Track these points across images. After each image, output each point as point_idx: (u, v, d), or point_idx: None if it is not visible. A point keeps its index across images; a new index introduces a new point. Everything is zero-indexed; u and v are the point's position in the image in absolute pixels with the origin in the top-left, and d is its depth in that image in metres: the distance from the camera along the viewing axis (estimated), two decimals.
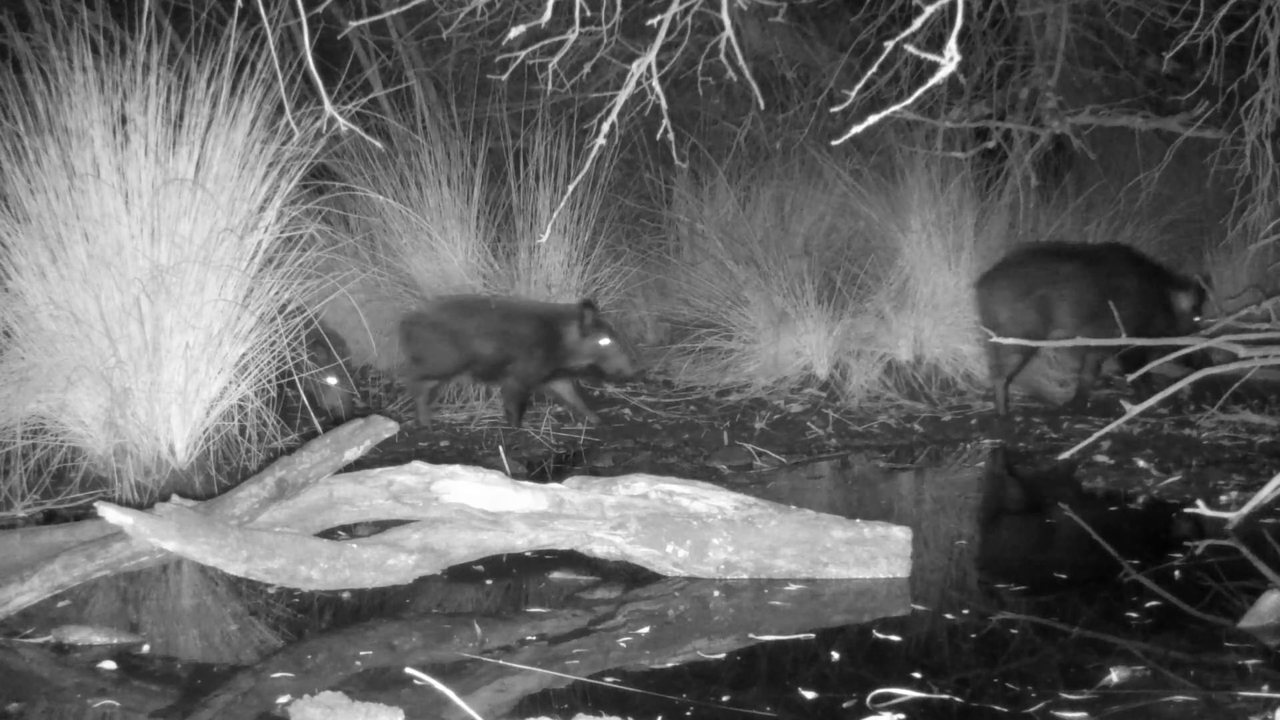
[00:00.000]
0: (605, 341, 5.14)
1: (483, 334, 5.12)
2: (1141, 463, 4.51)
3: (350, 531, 3.38)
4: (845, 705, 2.43)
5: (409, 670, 2.56)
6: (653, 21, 2.81)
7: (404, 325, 5.26)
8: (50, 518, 3.68)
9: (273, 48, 2.76)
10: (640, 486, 3.21)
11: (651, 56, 2.81)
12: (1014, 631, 2.89)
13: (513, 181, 5.98)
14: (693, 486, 3.25)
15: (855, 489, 4.45)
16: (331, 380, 4.79)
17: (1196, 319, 5.42)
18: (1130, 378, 4.83)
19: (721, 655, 2.72)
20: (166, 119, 4.00)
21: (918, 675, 2.57)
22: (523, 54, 3.16)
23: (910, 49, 2.20)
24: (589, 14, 2.88)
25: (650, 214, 7.16)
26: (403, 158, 5.88)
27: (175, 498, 2.97)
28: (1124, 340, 5.03)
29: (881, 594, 3.11)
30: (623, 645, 2.77)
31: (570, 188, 3.32)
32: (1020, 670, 2.63)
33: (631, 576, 3.21)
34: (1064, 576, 3.33)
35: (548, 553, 3.29)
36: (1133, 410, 4.31)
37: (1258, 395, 5.42)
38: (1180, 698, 2.44)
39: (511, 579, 3.32)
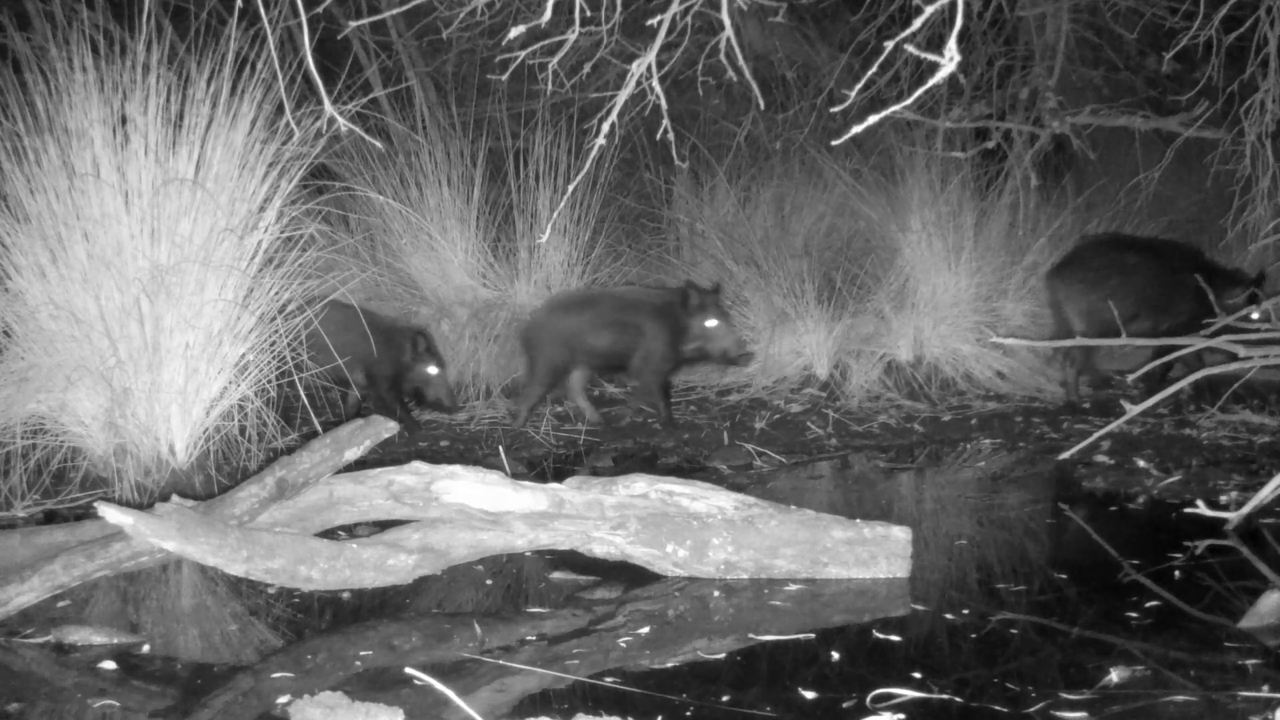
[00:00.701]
0: (712, 323, 5.12)
1: (598, 327, 5.15)
2: (1141, 463, 4.51)
3: (350, 531, 3.38)
4: (845, 705, 2.43)
5: (409, 670, 2.56)
6: (653, 21, 2.81)
7: (524, 335, 5.30)
8: (50, 518, 3.69)
9: (273, 48, 2.76)
10: (640, 486, 3.21)
11: (651, 56, 2.81)
12: (1014, 631, 2.89)
13: (513, 181, 5.99)
14: (693, 486, 3.25)
15: (855, 489, 4.45)
16: (432, 369, 4.97)
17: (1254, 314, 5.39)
18: (1133, 375, 4.83)
19: (721, 655, 2.72)
20: (166, 119, 4.00)
21: (918, 675, 2.57)
22: (523, 54, 3.16)
23: (910, 49, 2.20)
24: (589, 14, 2.88)
25: (650, 214, 7.16)
26: (403, 158, 5.88)
27: (175, 498, 2.97)
28: (1123, 340, 5.04)
29: (881, 594, 3.11)
30: (623, 645, 2.77)
31: (570, 188, 3.32)
32: (1020, 670, 2.63)
33: (631, 576, 3.21)
34: (1064, 576, 3.33)
35: (548, 553, 3.29)
36: (1133, 410, 4.31)
37: (1258, 395, 5.42)
38: (1180, 698, 2.44)
39: (511, 579, 3.32)
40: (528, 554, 3.29)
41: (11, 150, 3.98)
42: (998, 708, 2.42)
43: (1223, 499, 3.92)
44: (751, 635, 2.83)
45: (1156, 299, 5.45)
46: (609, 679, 2.56)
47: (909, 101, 2.57)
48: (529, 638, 2.84)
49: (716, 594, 3.10)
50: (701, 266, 6.46)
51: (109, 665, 2.65)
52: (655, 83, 2.88)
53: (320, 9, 2.97)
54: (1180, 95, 6.35)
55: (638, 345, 5.15)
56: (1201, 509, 3.51)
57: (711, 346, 5.16)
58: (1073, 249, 5.82)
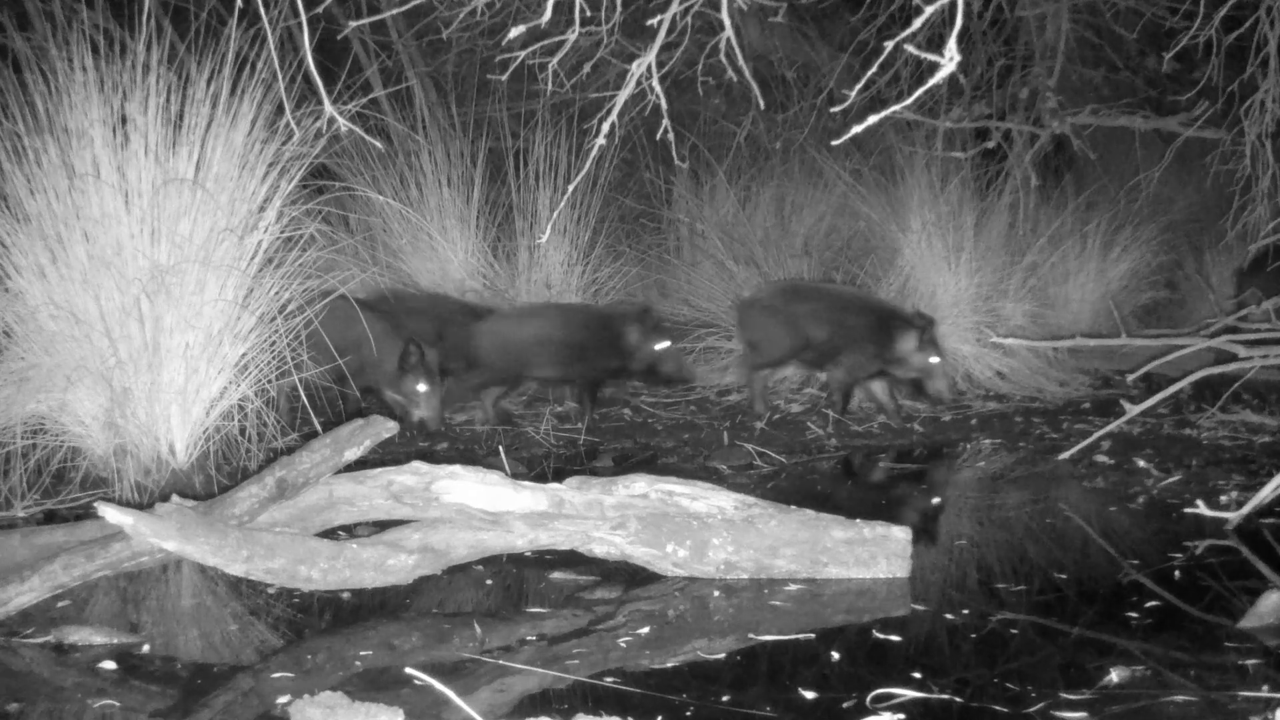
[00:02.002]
0: (934, 359, 5.13)
1: (819, 320, 5.20)
2: (1141, 463, 4.51)
3: (350, 531, 3.38)
4: (845, 705, 2.43)
5: (409, 670, 2.55)
6: (653, 21, 2.81)
7: (742, 308, 5.35)
8: (50, 518, 3.68)
9: (273, 48, 2.76)
10: (640, 486, 3.21)
11: (651, 56, 2.81)
12: (1014, 631, 2.89)
13: (513, 181, 5.98)
14: (693, 486, 3.25)
15: (855, 489, 4.45)
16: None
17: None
18: (1133, 375, 4.83)
19: (721, 655, 2.72)
20: (166, 119, 4.00)
21: (918, 675, 2.57)
22: (523, 54, 3.16)
23: (910, 49, 2.20)
24: (589, 14, 2.88)
25: (650, 214, 7.16)
26: (403, 158, 5.88)
27: (175, 498, 2.97)
28: (1124, 340, 5.04)
29: (881, 594, 3.11)
30: (623, 645, 2.77)
31: (570, 188, 3.32)
32: (1020, 670, 2.63)
33: (631, 576, 3.21)
34: (1064, 576, 3.33)
35: (548, 553, 3.29)
36: (1133, 410, 4.31)
37: (1258, 395, 5.42)
38: (1180, 698, 2.44)
39: (511, 579, 3.32)
40: (528, 554, 3.29)
41: (11, 150, 3.98)
42: (998, 708, 2.42)
43: (1223, 499, 3.92)
44: (751, 635, 2.83)
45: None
46: (609, 679, 2.56)
47: (909, 101, 2.56)
48: (529, 638, 2.84)
49: (716, 594, 3.10)
50: (701, 266, 6.46)
51: (109, 665, 2.65)
52: (655, 83, 2.88)
53: (320, 9, 2.97)
54: (1180, 95, 6.35)
55: (846, 347, 5.21)
56: (1201, 509, 3.51)
57: (923, 376, 5.19)
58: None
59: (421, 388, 4.72)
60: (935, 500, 4.33)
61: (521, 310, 5.49)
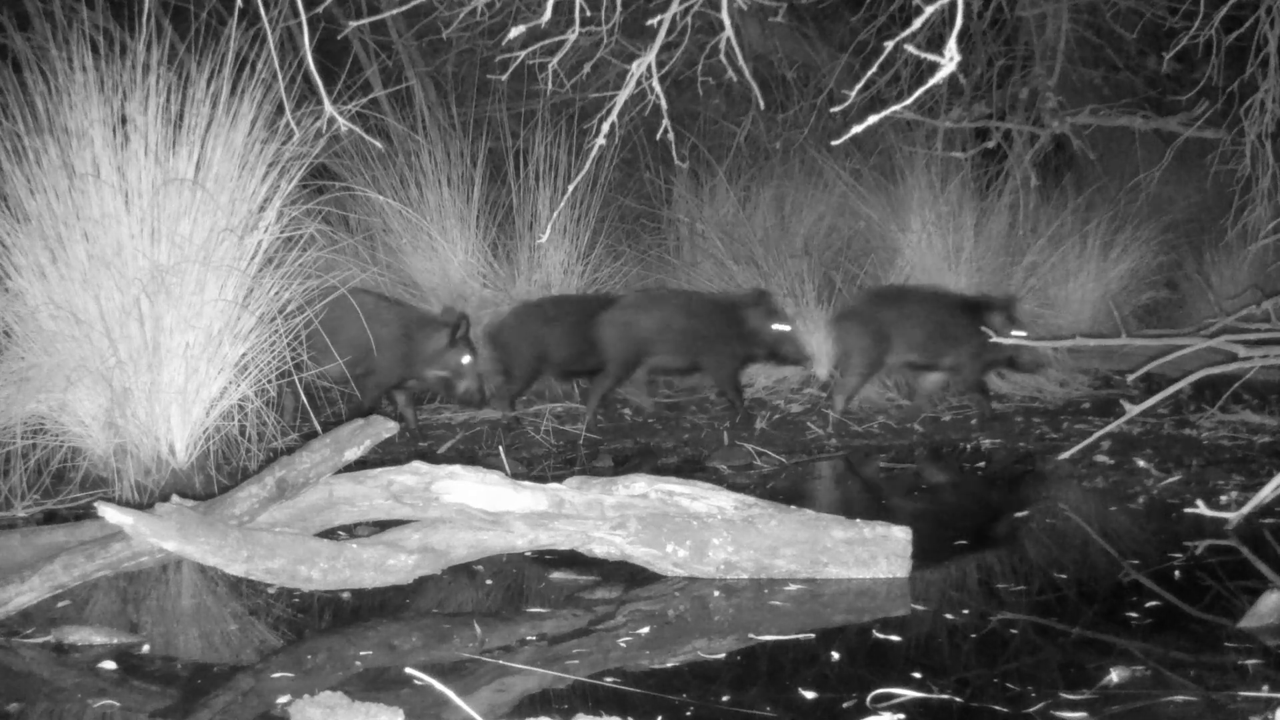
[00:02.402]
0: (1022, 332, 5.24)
1: (916, 324, 5.28)
2: (1141, 463, 4.51)
3: (350, 531, 3.38)
4: (845, 705, 2.43)
5: (409, 670, 2.55)
6: (653, 21, 2.81)
7: (837, 324, 5.46)
8: (50, 518, 3.68)
9: (273, 48, 2.76)
10: (640, 486, 3.21)
11: (651, 56, 2.82)
12: (1014, 631, 2.89)
13: (513, 181, 5.98)
14: (693, 486, 3.25)
15: (855, 489, 4.45)
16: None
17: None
18: (1133, 375, 4.83)
19: (721, 655, 2.72)
20: (166, 119, 4.00)
21: (918, 675, 2.57)
22: (523, 54, 3.17)
23: (910, 49, 2.20)
24: (589, 14, 2.88)
25: (650, 214, 7.16)
26: (403, 158, 5.88)
27: (175, 498, 2.97)
28: (1124, 340, 5.04)
29: (881, 594, 3.11)
30: (623, 645, 2.77)
31: (570, 188, 3.32)
32: (1020, 670, 2.63)
33: (631, 576, 3.21)
34: (1064, 576, 3.33)
35: (548, 553, 3.29)
36: (1133, 410, 4.31)
37: (1258, 395, 5.42)
38: (1180, 698, 2.44)
39: (511, 579, 3.32)
40: (528, 554, 3.29)
41: (11, 150, 3.98)
42: (998, 708, 2.42)
43: (1223, 499, 3.92)
44: (751, 635, 2.83)
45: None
46: (609, 679, 2.56)
47: (909, 101, 2.57)
48: (529, 638, 2.84)
49: (716, 594, 3.10)
50: (701, 266, 6.46)
51: (109, 665, 2.65)
52: (655, 83, 2.88)
53: (320, 9, 2.97)
54: (1180, 95, 6.36)
55: (957, 349, 5.33)
56: (1201, 509, 3.51)
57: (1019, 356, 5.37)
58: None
59: (466, 359, 4.86)
60: (935, 500, 4.33)
61: (643, 298, 5.58)
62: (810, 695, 2.48)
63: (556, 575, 3.28)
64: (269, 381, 4.06)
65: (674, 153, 3.71)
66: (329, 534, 3.18)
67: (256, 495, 3.05)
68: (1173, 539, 3.56)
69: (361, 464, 3.25)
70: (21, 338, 4.02)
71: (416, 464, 3.18)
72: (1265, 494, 3.59)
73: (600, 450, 4.92)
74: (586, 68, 4.21)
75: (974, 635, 2.85)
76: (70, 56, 3.98)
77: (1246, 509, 3.59)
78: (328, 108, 2.56)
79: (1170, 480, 4.25)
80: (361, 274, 4.86)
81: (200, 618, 3.05)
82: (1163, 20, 6.30)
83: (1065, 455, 4.43)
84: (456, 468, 3.16)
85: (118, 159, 3.97)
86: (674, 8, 2.81)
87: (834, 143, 3.00)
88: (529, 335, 5.31)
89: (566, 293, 5.83)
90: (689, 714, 2.39)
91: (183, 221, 3.99)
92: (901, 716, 2.37)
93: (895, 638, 2.81)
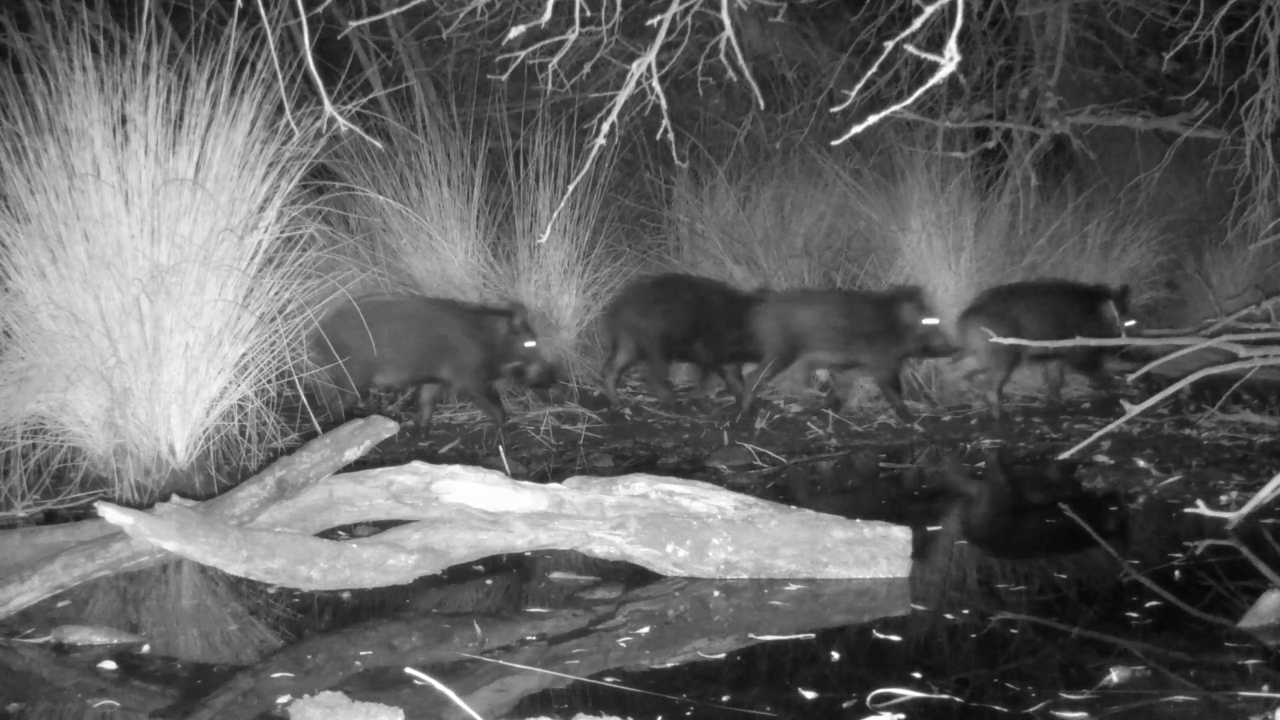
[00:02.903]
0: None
1: (1039, 316, 5.34)
2: (1141, 463, 4.51)
3: (350, 531, 3.38)
4: (845, 705, 2.43)
5: (409, 670, 2.55)
6: (653, 21, 2.81)
7: (964, 321, 5.53)
8: (50, 518, 3.68)
9: (273, 48, 2.76)
10: (640, 486, 3.21)
11: (651, 56, 2.81)
12: (1014, 631, 2.89)
13: (513, 181, 5.98)
14: (693, 486, 3.25)
15: (855, 489, 4.45)
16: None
17: None
18: (1133, 375, 4.84)
19: (721, 655, 2.72)
20: (166, 119, 4.00)
21: (918, 675, 2.57)
22: (523, 54, 3.16)
23: (910, 49, 2.20)
24: (589, 14, 2.88)
25: (650, 214, 7.16)
26: (403, 158, 5.87)
27: (175, 498, 2.97)
28: (1123, 340, 5.04)
29: (881, 594, 3.11)
30: (623, 645, 2.77)
31: (570, 188, 3.32)
32: (1020, 670, 2.63)
33: (631, 576, 3.21)
34: (1064, 576, 3.33)
35: (548, 553, 3.29)
36: (1133, 410, 4.31)
37: (1258, 395, 5.42)
38: (1180, 698, 2.44)
39: (511, 579, 3.32)
40: (528, 554, 3.29)
41: (11, 150, 3.98)
42: (998, 708, 2.41)
43: (1223, 499, 3.92)
44: (751, 635, 2.83)
45: None
46: (609, 679, 2.56)
47: (909, 101, 2.56)
48: (529, 638, 2.84)
49: (716, 594, 3.10)
50: (701, 266, 6.46)
51: (109, 665, 2.65)
52: (655, 83, 2.88)
53: (320, 9, 2.97)
54: (1180, 95, 6.36)
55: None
56: (1201, 509, 3.51)
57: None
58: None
59: (530, 344, 4.96)
60: (935, 500, 4.33)
61: (800, 294, 5.69)
62: (810, 695, 2.48)
63: (556, 575, 3.28)
64: (269, 381, 4.06)
65: (674, 153, 3.71)
66: (329, 534, 3.18)
67: (256, 495, 3.05)
68: (1173, 539, 3.56)
69: (361, 464, 3.25)
70: (21, 338, 4.02)
71: (416, 464, 3.18)
72: (1265, 494, 3.59)
73: (600, 450, 4.92)
74: (586, 68, 4.21)
75: (974, 635, 2.85)
76: (70, 56, 3.98)
77: (1246, 509, 3.59)
78: (328, 108, 2.56)
79: (1170, 480, 4.25)
80: (361, 274, 4.85)
81: (200, 618, 3.05)
82: (1163, 20, 6.29)
83: (1065, 455, 4.43)
84: (456, 468, 3.16)
85: (118, 159, 3.97)
86: (674, 8, 2.81)
87: (834, 143, 2.99)
88: (671, 315, 5.44)
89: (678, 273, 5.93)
90: (689, 714, 2.39)
91: (183, 221, 3.99)
92: (901, 716, 2.37)
93: (895, 638, 2.81)
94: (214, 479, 4.01)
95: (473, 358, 5.00)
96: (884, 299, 5.51)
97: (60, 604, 2.98)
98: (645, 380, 5.65)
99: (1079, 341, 4.96)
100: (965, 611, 3.01)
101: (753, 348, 5.41)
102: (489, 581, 3.27)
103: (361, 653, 2.74)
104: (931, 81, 2.36)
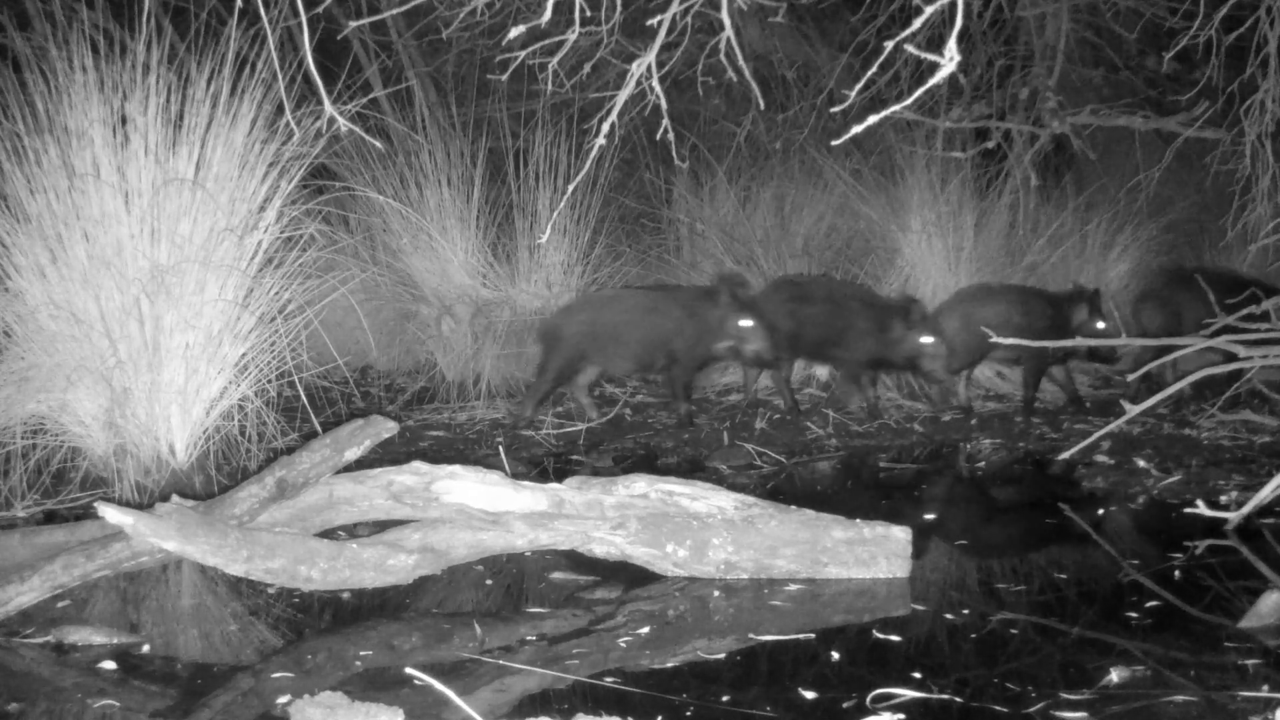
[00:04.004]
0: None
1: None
2: (1141, 463, 4.51)
3: (350, 531, 3.38)
4: (845, 705, 2.43)
5: (409, 670, 2.56)
6: (653, 21, 2.81)
7: (1138, 305, 5.74)
8: (50, 518, 3.68)
9: (273, 48, 2.76)
10: (640, 486, 3.21)
11: (651, 56, 2.81)
12: (1014, 631, 2.89)
13: (513, 181, 5.98)
14: (693, 486, 3.25)
15: (855, 489, 4.45)
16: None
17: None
18: (1133, 375, 4.83)
19: (721, 655, 2.72)
20: (166, 119, 4.00)
21: (918, 675, 2.57)
22: (523, 54, 3.16)
23: (910, 49, 2.20)
24: (589, 14, 2.88)
25: (650, 214, 7.16)
26: (403, 158, 5.88)
27: (175, 498, 2.97)
28: (1123, 340, 5.04)
29: (881, 594, 3.11)
30: (623, 645, 2.77)
31: (570, 188, 3.31)
32: (1020, 670, 2.63)
33: (631, 576, 3.20)
34: (1064, 576, 3.33)
35: (548, 553, 3.28)
36: (1133, 410, 4.30)
37: (1258, 395, 5.42)
38: (1180, 698, 2.44)
39: (511, 579, 3.32)
40: (528, 554, 3.29)
41: (11, 150, 3.98)
42: (998, 708, 2.42)
43: (1223, 499, 3.92)
44: (751, 635, 2.83)
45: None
46: (609, 679, 2.56)
47: (909, 101, 2.56)
48: (529, 638, 2.84)
49: (716, 594, 3.10)
50: (701, 266, 6.46)
51: (109, 665, 2.65)
52: (655, 83, 2.88)
53: (320, 9, 2.97)
54: (1180, 95, 6.35)
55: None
56: (1201, 509, 3.51)
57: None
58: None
59: (745, 322, 4.96)
60: (935, 500, 4.33)
61: (980, 291, 5.71)
62: (810, 695, 2.48)
63: (556, 575, 3.28)
64: (269, 381, 4.06)
65: (674, 153, 3.71)
66: (329, 534, 3.19)
67: (256, 495, 3.05)
68: (1173, 539, 3.56)
69: (361, 464, 3.25)
70: (21, 338, 4.02)
71: (416, 464, 3.18)
72: (1265, 494, 3.59)
73: (600, 450, 4.92)
74: (586, 68, 4.21)
75: (974, 635, 2.85)
76: (70, 56, 3.98)
77: (1246, 509, 3.59)
78: (328, 108, 2.56)
79: (1170, 480, 4.25)
80: (361, 274, 4.86)
81: (200, 618, 3.05)
82: (1163, 20, 6.29)
83: (1065, 455, 4.43)
84: (456, 468, 3.16)
85: (118, 159, 3.97)
86: (674, 8, 2.81)
87: (834, 143, 2.99)
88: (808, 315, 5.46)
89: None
90: (689, 714, 2.39)
91: (183, 221, 3.99)
92: (901, 716, 2.37)
93: (895, 638, 2.81)
94: (214, 479, 4.01)
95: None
96: (1059, 299, 5.61)
97: (60, 604, 2.98)
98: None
99: (1079, 343, 4.96)
100: (965, 611, 3.01)
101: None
102: (489, 581, 3.27)
103: (361, 653, 2.74)
104: (931, 81, 2.36)
